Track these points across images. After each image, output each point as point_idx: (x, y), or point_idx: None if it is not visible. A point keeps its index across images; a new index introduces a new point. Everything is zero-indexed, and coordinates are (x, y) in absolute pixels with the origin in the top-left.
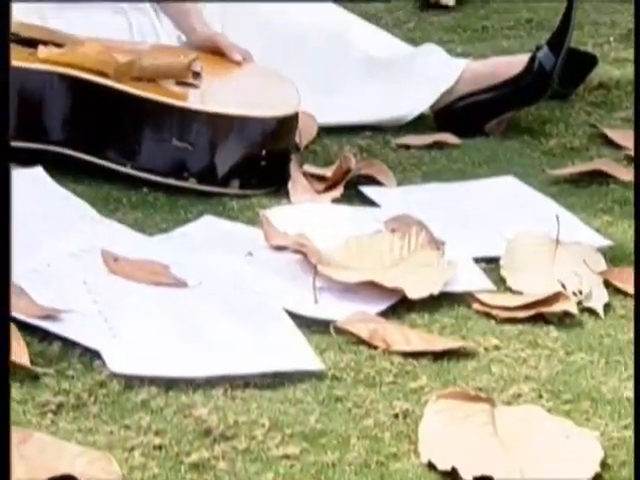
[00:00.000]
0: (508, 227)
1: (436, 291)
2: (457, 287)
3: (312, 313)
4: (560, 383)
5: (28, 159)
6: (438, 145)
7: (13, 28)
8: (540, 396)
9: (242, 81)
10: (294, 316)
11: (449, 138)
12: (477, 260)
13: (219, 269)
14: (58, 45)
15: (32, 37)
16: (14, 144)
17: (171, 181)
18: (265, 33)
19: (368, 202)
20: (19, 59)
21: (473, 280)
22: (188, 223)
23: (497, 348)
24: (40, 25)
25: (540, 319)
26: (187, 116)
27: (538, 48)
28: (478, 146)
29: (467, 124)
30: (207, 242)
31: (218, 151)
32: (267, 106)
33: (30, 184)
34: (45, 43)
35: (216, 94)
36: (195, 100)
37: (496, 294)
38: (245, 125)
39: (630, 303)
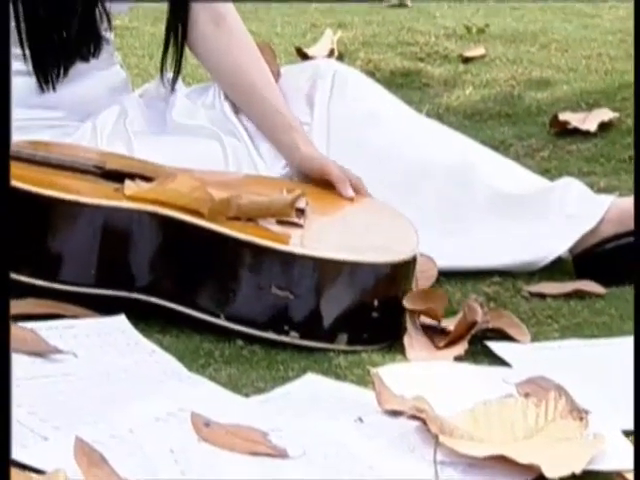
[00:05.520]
0: None
1: (579, 469)
2: (604, 465)
3: None
4: None
5: (110, 306)
6: (579, 294)
7: (98, 159)
8: None
9: (353, 219)
10: None
11: (592, 286)
12: (627, 433)
13: (325, 437)
14: (147, 179)
15: (118, 170)
16: (96, 292)
17: (270, 335)
18: (378, 164)
19: (497, 361)
20: (103, 196)
21: (623, 457)
22: (289, 382)
23: None
24: (127, 155)
25: None
26: (289, 261)
27: None
28: (626, 296)
29: (613, 271)
30: (311, 405)
31: (324, 301)
32: (380, 249)
33: (111, 335)
34: (132, 177)
35: (322, 235)
36: (298, 242)
37: None
38: (355, 271)
39: None
